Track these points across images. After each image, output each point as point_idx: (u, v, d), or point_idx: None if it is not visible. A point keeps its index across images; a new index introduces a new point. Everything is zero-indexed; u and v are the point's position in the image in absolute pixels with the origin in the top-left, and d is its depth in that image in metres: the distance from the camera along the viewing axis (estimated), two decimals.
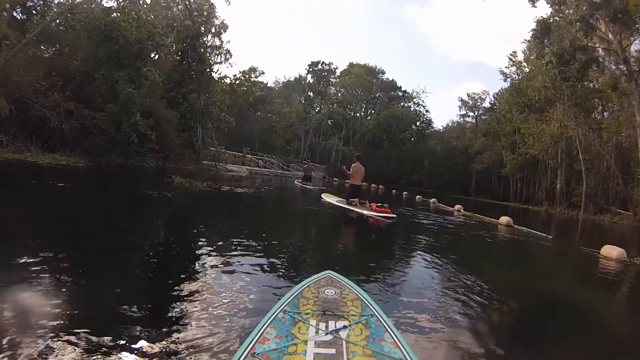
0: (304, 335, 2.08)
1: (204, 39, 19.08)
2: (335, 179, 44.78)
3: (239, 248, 5.37)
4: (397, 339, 2.08)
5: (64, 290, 3.20)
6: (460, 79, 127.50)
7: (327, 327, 2.16)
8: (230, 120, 14.97)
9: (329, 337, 2.07)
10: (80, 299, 3.06)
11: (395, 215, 11.12)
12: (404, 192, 32.70)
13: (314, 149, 62.29)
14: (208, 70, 16.39)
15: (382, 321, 2.25)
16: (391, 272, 5.20)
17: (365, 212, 11.26)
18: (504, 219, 13.72)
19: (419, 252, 6.97)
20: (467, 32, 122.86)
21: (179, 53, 20.16)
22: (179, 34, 20.39)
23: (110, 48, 17.37)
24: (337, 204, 12.89)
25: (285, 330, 2.12)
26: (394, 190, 36.53)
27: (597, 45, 33.41)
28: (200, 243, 5.65)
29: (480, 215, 16.30)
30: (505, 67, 55.27)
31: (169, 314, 2.95)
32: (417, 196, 27.04)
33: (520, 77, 51.95)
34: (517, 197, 52.66)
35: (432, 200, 23.18)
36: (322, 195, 14.93)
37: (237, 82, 58.34)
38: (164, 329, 2.64)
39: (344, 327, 2.16)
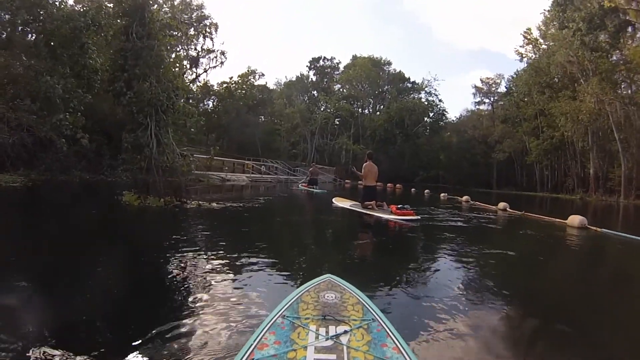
0: (303, 340, 2.01)
1: (154, 7, 14.88)
2: (347, 181, 41.87)
3: (237, 255, 5.18)
4: (400, 344, 2.00)
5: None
6: (468, 68, 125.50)
7: (327, 332, 2.08)
8: (192, 111, 10.94)
9: (329, 342, 2.00)
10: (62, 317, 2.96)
11: (418, 217, 9.90)
12: (426, 191, 29.41)
13: (322, 150, 59.41)
14: (160, 47, 11.81)
15: (384, 326, 2.15)
16: (406, 278, 4.63)
17: (384, 215, 10.19)
18: (576, 219, 10.28)
19: (445, 259, 5.91)
20: (468, 19, 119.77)
21: (123, 30, 15.90)
22: (120, 4, 16.23)
23: (35, 30, 13.83)
24: (352, 208, 11.88)
25: (284, 335, 2.05)
26: (413, 189, 33.41)
27: (627, 6, 29.58)
28: (189, 253, 5.14)
29: (536, 214, 13.12)
30: (520, 47, 51.37)
31: (164, 323, 2.76)
32: (442, 194, 24.02)
33: (538, 55, 48.03)
34: (544, 186, 49.08)
35: (464, 198, 19.70)
36: (333, 200, 13.77)
37: (235, 85, 55.25)
38: (160, 338, 2.54)
39: (345, 332, 2.08)
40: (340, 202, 13.14)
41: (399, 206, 10.30)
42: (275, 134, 57.58)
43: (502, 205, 14.71)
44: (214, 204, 10.14)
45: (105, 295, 3.48)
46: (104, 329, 2.80)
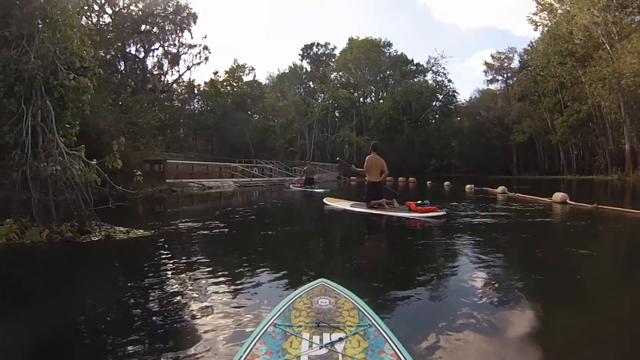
0: (296, 350, 1.95)
1: None
2: (352, 178, 38.56)
3: (223, 259, 5.28)
4: (398, 350, 1.93)
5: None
6: (473, 49, 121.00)
7: (321, 340, 2.01)
8: (83, 83, 7.27)
9: (324, 350, 1.93)
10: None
11: (443, 213, 8.99)
12: (446, 183, 26.27)
13: (322, 145, 55.93)
14: None
15: (382, 331, 2.09)
16: (420, 282, 4.16)
17: (401, 214, 9.20)
18: None
19: (476, 261, 4.92)
20: None
21: None
22: None
23: None
24: (353, 209, 10.61)
25: (276, 345, 2.00)
26: (429, 182, 30.21)
27: None
28: (175, 257, 5.17)
29: (613, 207, 9.95)
30: (533, 14, 47.59)
31: (148, 333, 2.80)
32: (468, 186, 20.69)
33: (555, 22, 44.45)
34: (571, 167, 45.78)
35: (500, 189, 16.31)
36: (325, 200, 12.56)
37: (224, 82, 52.02)
38: (143, 351, 2.50)
39: (340, 339, 2.01)
40: (334, 203, 11.96)
41: (417, 202, 9.31)
42: (269, 132, 54.25)
43: (559, 196, 11.29)
44: (141, 231, 6.69)
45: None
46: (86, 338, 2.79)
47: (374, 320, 2.18)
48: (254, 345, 1.97)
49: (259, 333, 2.07)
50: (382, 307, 3.16)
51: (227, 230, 7.75)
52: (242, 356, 1.89)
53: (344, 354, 1.88)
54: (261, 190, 25.15)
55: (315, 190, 20.37)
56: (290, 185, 24.80)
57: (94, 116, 19.47)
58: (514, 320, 3.10)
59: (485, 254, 5.44)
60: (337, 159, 13.35)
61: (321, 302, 2.39)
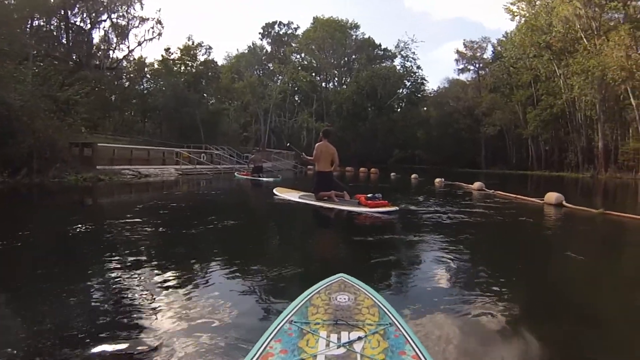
0: (312, 348, 1.87)
1: None
2: (309, 167, 36.96)
3: (235, 251, 5.00)
4: (420, 351, 1.85)
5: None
6: (442, 39, 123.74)
7: (339, 338, 1.93)
8: None
9: (342, 350, 1.84)
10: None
11: (396, 208, 8.45)
12: (413, 175, 24.89)
13: (279, 131, 53.90)
14: None
15: (403, 331, 2.02)
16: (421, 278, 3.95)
17: (350, 208, 8.77)
18: None
19: (457, 259, 4.63)
20: None
21: None
22: None
23: None
24: (301, 200, 10.14)
25: (292, 343, 1.91)
26: (393, 174, 28.61)
27: None
28: (187, 246, 5.13)
29: (624, 213, 8.32)
30: (511, 4, 46.56)
31: (158, 330, 2.57)
32: (437, 180, 19.08)
33: (534, 12, 43.65)
34: (540, 163, 45.51)
35: (476, 185, 14.68)
36: (275, 191, 11.96)
37: (178, 60, 48.61)
38: (153, 348, 2.33)
39: (359, 338, 1.92)
40: (283, 193, 11.50)
41: (367, 196, 8.96)
42: (223, 115, 50.99)
43: (553, 197, 9.45)
44: None
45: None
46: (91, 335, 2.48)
47: (395, 319, 2.09)
48: (268, 343, 1.88)
49: (274, 330, 1.99)
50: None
51: (144, 231, 6.17)
52: (255, 354, 1.81)
53: (363, 354, 1.79)
54: (207, 179, 23.15)
55: (263, 179, 19.52)
56: (236, 173, 23.81)
57: (2, 88, 17.02)
58: (538, 329, 2.75)
59: (458, 253, 5.00)
60: (288, 144, 12.49)
61: (340, 298, 2.30)
